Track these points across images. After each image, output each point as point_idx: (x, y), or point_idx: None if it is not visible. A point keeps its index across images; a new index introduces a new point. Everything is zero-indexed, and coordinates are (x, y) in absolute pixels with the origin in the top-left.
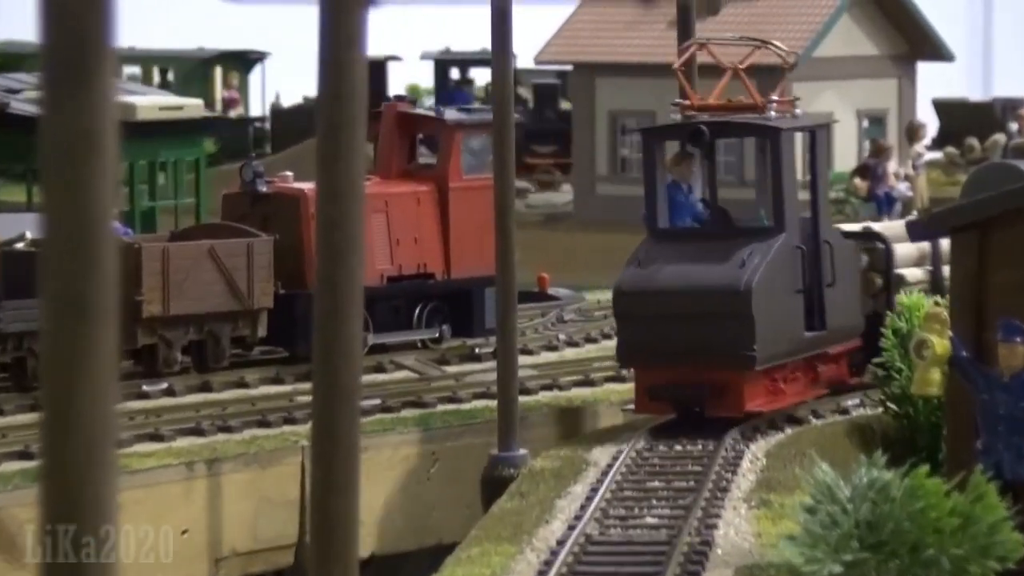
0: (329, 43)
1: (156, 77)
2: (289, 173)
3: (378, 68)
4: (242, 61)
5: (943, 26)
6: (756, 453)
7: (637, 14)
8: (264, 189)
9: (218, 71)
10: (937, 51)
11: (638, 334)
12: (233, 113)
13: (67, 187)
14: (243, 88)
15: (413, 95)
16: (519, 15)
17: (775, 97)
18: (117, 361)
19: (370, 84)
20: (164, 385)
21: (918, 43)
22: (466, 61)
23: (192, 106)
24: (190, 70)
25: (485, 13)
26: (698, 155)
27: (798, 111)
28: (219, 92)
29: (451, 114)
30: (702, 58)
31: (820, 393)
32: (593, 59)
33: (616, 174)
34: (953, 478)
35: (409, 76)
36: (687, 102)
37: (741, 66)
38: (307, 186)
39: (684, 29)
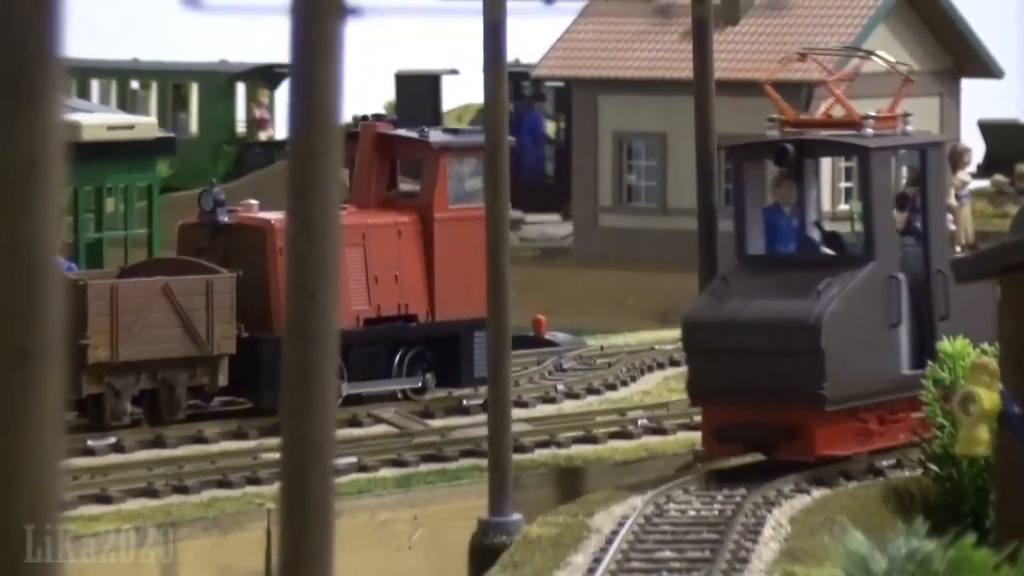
0: (300, 57)
1: (169, 94)
2: (253, 201)
3: (432, 82)
4: (269, 77)
5: (991, 38)
6: (779, 519)
7: (646, 23)
8: (226, 219)
9: (243, 88)
10: (984, 66)
11: (706, 369)
12: (263, 135)
13: (6, 217)
14: (270, 107)
15: (393, 112)
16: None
17: (872, 113)
18: (62, 413)
19: (424, 99)
20: (112, 440)
21: (963, 57)
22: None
23: (145, 125)
24: (211, 87)
25: (563, 24)
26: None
27: (908, 128)
28: (242, 111)
29: (436, 136)
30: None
31: (933, 436)
32: (596, 74)
33: (622, 204)
34: (1002, 549)
35: (471, 91)
36: (782, 117)
37: (830, 79)
38: (274, 216)
39: (701, 43)
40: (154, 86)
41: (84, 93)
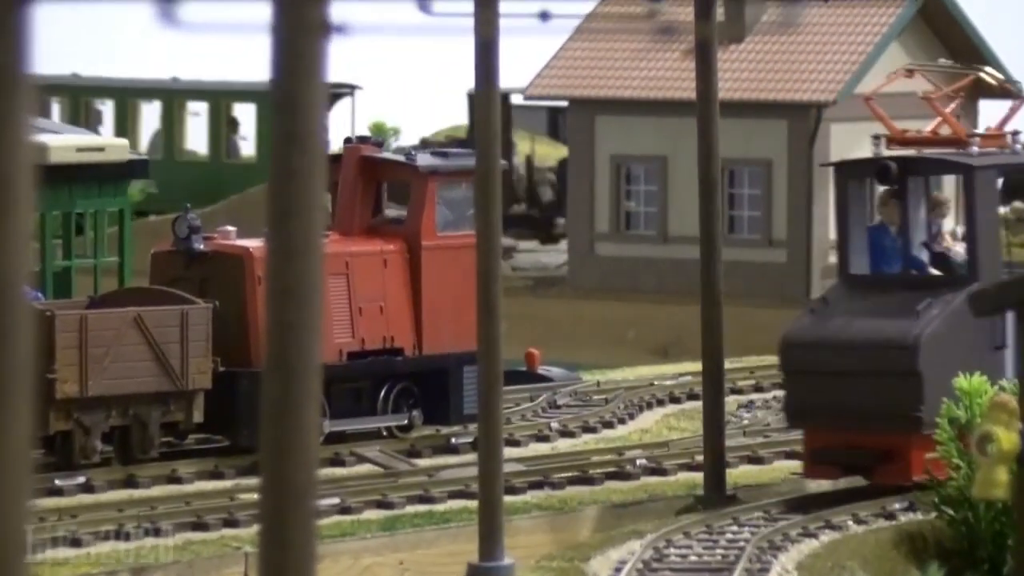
0: (282, 75)
1: (222, 116)
2: (231, 228)
3: (501, 101)
4: (332, 97)
5: (1010, 56)
6: (786, 565)
7: (645, 40)
8: (201, 247)
9: None
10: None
11: (805, 391)
12: None
13: None
14: None
15: (378, 134)
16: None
17: (978, 130)
18: (30, 451)
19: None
20: (81, 479)
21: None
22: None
23: (116, 147)
24: (265, 106)
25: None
26: (922, 192)
27: (1018, 146)
28: None
29: (424, 159)
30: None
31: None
32: (593, 94)
33: (619, 231)
34: None
35: (535, 113)
36: (888, 134)
37: (933, 95)
38: (253, 243)
39: (704, 62)
40: (190, 106)
41: (123, 115)
